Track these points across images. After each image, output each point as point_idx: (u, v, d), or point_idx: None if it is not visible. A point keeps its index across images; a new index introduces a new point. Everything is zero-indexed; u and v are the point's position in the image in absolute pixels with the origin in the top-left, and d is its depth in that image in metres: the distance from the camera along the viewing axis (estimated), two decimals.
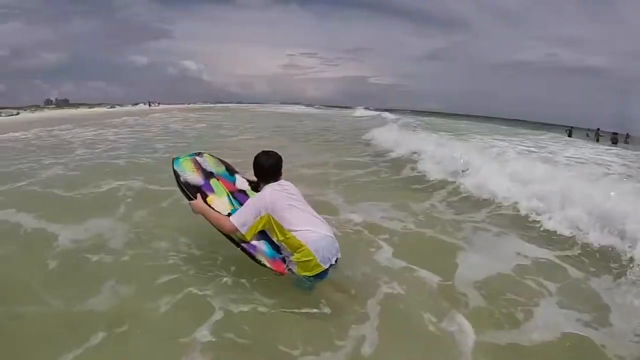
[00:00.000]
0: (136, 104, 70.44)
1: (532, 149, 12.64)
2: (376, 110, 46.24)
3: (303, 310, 2.69)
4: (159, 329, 2.54)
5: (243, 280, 3.00)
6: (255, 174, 3.04)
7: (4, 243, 3.94)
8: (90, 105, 69.05)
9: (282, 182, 2.97)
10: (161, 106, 65.68)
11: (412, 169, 7.84)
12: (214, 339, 2.42)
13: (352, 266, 3.27)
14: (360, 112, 42.41)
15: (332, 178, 7.14)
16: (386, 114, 34.90)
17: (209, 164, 3.46)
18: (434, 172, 7.09)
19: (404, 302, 2.86)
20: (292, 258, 2.72)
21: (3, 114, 43.05)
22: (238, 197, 3.18)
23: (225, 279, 3.05)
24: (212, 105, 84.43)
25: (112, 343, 2.37)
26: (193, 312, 2.69)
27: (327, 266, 2.71)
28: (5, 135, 16.25)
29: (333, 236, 2.85)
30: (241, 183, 3.49)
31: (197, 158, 3.42)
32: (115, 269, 3.30)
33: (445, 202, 5.66)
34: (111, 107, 64.00)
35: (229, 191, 3.31)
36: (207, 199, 3.05)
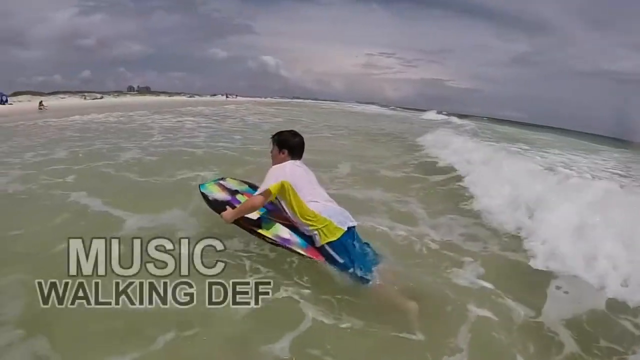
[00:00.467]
0: (214, 95, 73.68)
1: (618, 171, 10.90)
2: (449, 114, 44.13)
3: (392, 334, 2.47)
4: (231, 336, 2.39)
5: (324, 290, 2.80)
6: (282, 147, 3.20)
7: (68, 226, 3.81)
8: (170, 94, 73.22)
9: (302, 162, 3.20)
10: (238, 98, 68.11)
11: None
12: (290, 353, 2.25)
13: (437, 287, 3.04)
14: (430, 115, 41.08)
15: (414, 184, 6.67)
16: (455, 119, 33.70)
17: (233, 184, 3.77)
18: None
19: (494, 334, 2.58)
20: (310, 229, 2.85)
21: (88, 98, 47.51)
22: (265, 205, 3.23)
23: (303, 287, 2.85)
24: (288, 100, 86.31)
25: (179, 346, 2.25)
26: (269, 321, 2.50)
27: (345, 228, 2.81)
28: (89, 116, 17.27)
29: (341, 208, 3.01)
30: None
31: (221, 182, 3.78)
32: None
33: None
34: (190, 97, 67.59)
35: None
36: None
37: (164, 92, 75.64)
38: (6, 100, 34.14)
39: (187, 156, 7.86)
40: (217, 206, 3.33)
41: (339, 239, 2.79)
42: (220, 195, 3.48)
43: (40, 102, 28.86)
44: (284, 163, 3.08)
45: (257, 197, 2.94)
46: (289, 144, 3.17)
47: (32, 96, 42.51)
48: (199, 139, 10.79)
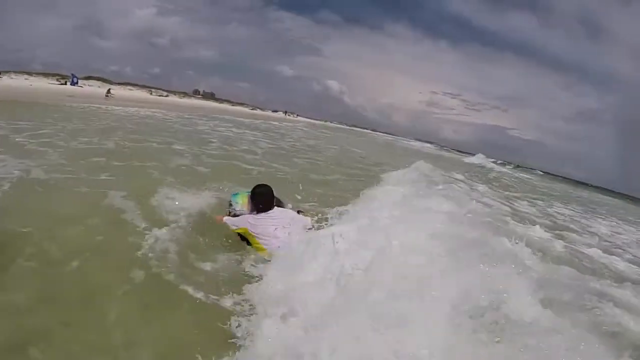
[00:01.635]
0: (275, 111, 75.05)
1: None
2: (502, 162, 44.32)
3: None
4: None
5: None
6: (252, 201, 3.87)
7: (94, 236, 3.36)
8: (233, 103, 75.17)
9: (270, 212, 3.81)
10: (298, 118, 68.90)
11: None
12: None
13: None
14: (473, 159, 39.77)
15: None
16: (492, 165, 33.36)
17: None
18: None
19: None
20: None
21: (154, 93, 50.00)
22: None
23: None
24: (347, 127, 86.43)
25: None
26: None
27: None
28: (150, 111, 17.55)
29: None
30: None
31: None
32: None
33: None
34: (252, 109, 69.17)
35: None
36: None
37: (227, 101, 77.73)
38: (77, 82, 35.96)
39: (243, 174, 7.26)
40: (232, 216, 3.96)
41: None
42: (242, 209, 4.00)
43: (109, 90, 30.09)
44: (250, 215, 3.83)
45: (221, 219, 3.87)
46: (257, 199, 3.82)
47: (102, 83, 44.74)
48: (256, 155, 10.33)
